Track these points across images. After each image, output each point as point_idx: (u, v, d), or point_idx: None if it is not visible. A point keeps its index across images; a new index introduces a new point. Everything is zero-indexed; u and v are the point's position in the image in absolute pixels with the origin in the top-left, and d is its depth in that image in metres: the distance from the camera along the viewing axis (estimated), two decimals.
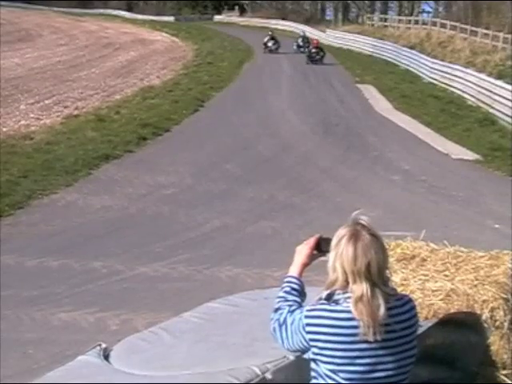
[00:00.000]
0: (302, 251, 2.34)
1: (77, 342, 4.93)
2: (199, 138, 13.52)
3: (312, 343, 2.11)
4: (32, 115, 14.91)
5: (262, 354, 2.48)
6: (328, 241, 2.20)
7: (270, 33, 31.54)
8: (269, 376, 2.39)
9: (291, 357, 2.40)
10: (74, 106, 16.23)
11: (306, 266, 2.34)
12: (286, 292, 2.28)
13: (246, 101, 18.11)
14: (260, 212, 8.92)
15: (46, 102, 16.60)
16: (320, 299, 2.13)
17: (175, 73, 22.88)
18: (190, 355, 2.58)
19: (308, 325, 2.11)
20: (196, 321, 2.92)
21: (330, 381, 2.10)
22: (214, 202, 9.33)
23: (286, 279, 2.33)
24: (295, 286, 2.29)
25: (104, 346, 2.68)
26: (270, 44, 30.31)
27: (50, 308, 5.78)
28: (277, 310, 2.24)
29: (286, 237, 7.62)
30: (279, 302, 2.27)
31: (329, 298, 2.11)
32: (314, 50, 26.82)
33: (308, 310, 2.13)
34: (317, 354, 2.11)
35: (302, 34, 31.83)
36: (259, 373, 2.38)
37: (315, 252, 2.34)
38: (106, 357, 2.62)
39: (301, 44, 29.53)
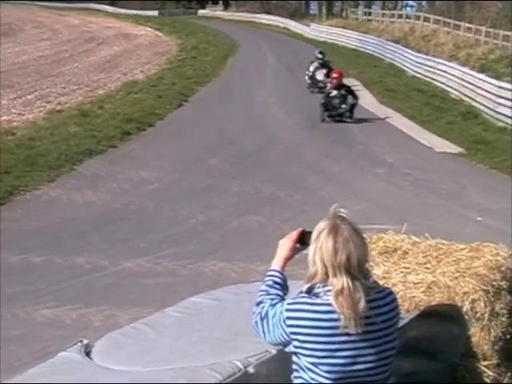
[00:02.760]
0: (285, 245, 2.34)
1: (60, 338, 4.91)
2: (184, 133, 13.48)
3: (293, 336, 2.11)
4: (14, 110, 14.77)
5: (244, 348, 2.48)
6: (311, 234, 2.20)
7: (319, 55, 18.03)
8: (251, 370, 2.39)
9: (273, 351, 2.41)
10: (57, 101, 16.10)
11: (288, 259, 2.34)
12: (268, 286, 2.29)
13: (230, 95, 18.07)
14: (245, 206, 8.91)
15: (29, 97, 16.45)
16: (300, 292, 2.14)
17: (159, 67, 22.76)
18: (173, 350, 2.57)
19: (288, 318, 2.11)
20: (179, 316, 2.91)
21: (310, 373, 2.11)
22: (199, 196, 9.31)
23: (268, 273, 2.34)
24: (277, 280, 2.30)
25: (85, 341, 2.67)
26: (319, 77, 17.45)
27: (33, 304, 5.74)
28: (259, 303, 2.25)
29: (271, 231, 7.61)
30: (261, 295, 2.27)
31: (309, 291, 2.11)
32: (334, 93, 14.28)
33: (288, 304, 2.14)
34: (298, 347, 2.11)
35: (318, 55, 18.28)
36: (241, 367, 2.38)
37: (298, 245, 2.34)
38: (88, 353, 2.61)
39: (319, 77, 17.74)
